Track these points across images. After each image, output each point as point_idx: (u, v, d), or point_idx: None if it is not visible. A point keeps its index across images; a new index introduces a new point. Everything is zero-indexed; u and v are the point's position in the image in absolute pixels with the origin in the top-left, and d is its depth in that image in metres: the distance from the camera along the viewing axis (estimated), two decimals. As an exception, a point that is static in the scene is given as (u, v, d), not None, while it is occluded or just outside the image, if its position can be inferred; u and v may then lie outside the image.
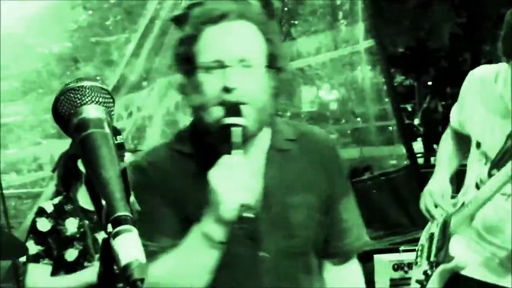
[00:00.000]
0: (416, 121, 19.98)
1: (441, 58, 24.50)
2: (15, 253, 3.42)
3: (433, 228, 2.89)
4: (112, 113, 1.30)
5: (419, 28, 20.84)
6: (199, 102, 1.71)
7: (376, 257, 5.30)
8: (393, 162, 10.22)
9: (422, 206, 2.85)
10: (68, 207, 3.28)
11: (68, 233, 3.23)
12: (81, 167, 3.26)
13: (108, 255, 1.10)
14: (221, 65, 1.69)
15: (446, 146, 2.98)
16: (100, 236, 3.29)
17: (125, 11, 8.23)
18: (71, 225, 3.25)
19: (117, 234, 1.10)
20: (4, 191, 4.64)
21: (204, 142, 1.77)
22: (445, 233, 2.74)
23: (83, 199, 3.31)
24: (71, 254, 3.22)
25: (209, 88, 1.69)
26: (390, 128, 10.64)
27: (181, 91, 1.79)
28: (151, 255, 1.59)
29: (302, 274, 1.83)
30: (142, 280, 1.07)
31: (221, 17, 1.71)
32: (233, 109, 1.67)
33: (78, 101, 1.26)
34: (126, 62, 8.10)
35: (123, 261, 1.07)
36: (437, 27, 21.49)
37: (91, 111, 1.26)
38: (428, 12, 20.82)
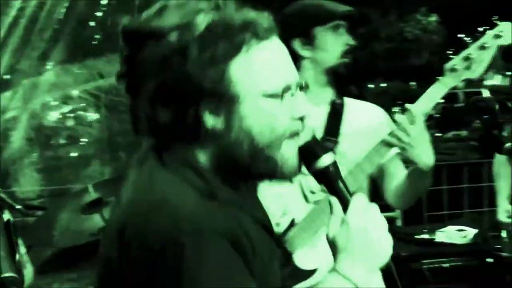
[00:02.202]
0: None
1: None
2: None
3: None
4: None
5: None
6: (270, 139, 1.39)
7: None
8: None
9: None
10: None
11: None
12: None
13: None
14: (288, 91, 1.40)
15: None
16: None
17: (-13, 9, 7.92)
18: None
19: None
20: None
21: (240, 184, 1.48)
22: (282, 254, 2.80)
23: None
24: None
25: (281, 120, 1.39)
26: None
27: (210, 127, 1.37)
28: None
29: None
30: None
31: (269, 31, 1.40)
32: (326, 144, 1.54)
33: None
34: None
35: None
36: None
37: None
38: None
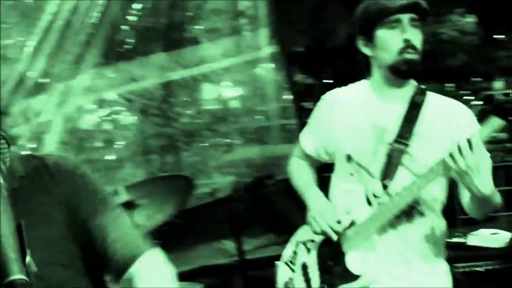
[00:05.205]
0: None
1: (338, 57, 25.05)
2: None
3: (302, 256, 2.92)
4: (6, 159, 1.23)
5: (317, 28, 21.21)
6: None
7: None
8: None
9: (314, 229, 2.87)
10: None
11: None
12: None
13: None
14: None
15: (304, 173, 3.12)
16: None
17: (22, 13, 7.98)
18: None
19: None
20: None
21: None
22: (337, 252, 2.80)
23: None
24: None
25: None
26: (291, 126, 10.75)
27: None
28: None
29: None
30: None
31: None
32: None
33: None
34: (23, 66, 7.84)
35: None
36: (334, 28, 21.96)
37: None
38: (325, 13, 21.18)
